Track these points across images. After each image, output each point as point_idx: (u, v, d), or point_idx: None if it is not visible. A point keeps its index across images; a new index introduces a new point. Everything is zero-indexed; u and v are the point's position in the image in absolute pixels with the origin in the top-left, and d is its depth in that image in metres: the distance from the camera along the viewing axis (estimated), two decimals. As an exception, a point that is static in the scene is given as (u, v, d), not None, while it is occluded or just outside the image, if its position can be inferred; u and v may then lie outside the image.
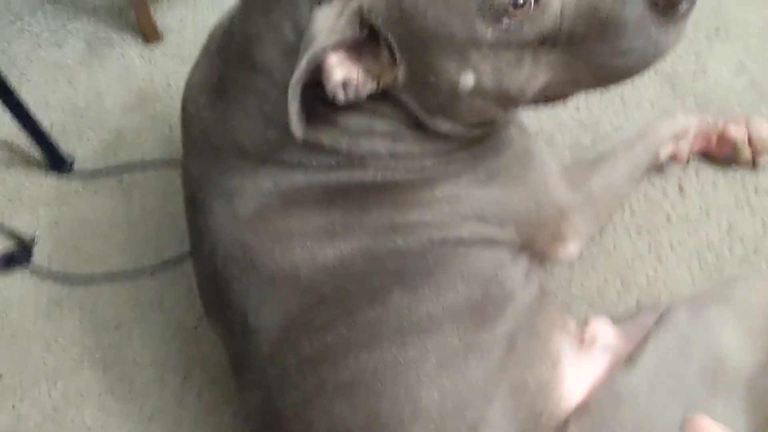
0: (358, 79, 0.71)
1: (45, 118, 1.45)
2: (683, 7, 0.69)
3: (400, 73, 0.73)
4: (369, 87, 0.73)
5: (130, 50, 1.55)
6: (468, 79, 0.72)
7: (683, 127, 1.13)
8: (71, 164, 1.39)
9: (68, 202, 1.35)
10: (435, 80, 0.73)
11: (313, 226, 0.80)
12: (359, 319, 0.78)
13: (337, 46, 0.68)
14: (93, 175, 1.37)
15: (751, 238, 1.12)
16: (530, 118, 1.28)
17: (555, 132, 1.28)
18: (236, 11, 0.83)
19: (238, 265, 0.82)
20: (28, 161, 1.41)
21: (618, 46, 0.70)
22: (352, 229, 0.80)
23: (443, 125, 0.80)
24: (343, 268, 0.79)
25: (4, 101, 1.26)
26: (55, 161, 1.38)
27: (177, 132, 1.39)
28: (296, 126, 0.70)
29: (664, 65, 1.32)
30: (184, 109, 0.91)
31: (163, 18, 1.58)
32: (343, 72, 0.70)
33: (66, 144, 1.41)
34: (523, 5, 0.66)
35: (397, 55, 0.71)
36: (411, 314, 0.78)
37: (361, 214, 0.80)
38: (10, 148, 1.43)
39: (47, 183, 1.38)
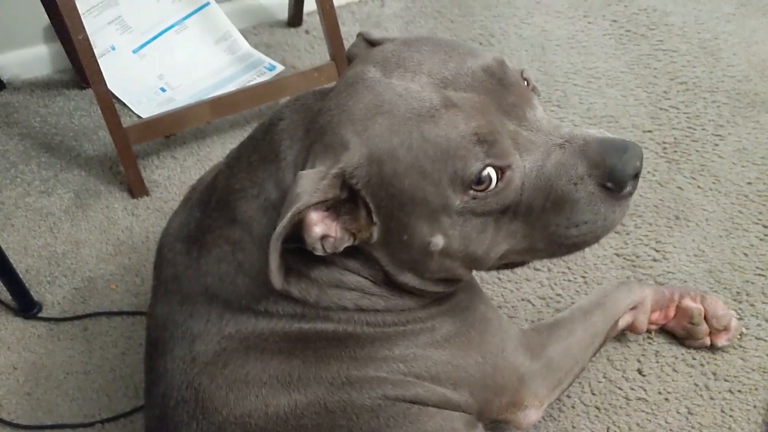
0: (336, 235, 0.75)
1: (21, 262, 1.48)
2: (628, 188, 0.74)
3: (376, 230, 0.77)
4: (346, 242, 0.76)
5: (115, 203, 1.60)
6: (438, 241, 0.76)
7: (639, 297, 1.16)
8: (39, 309, 1.40)
9: (29, 347, 1.34)
10: (408, 239, 0.77)
11: (270, 374, 0.80)
12: None
13: (319, 204, 0.72)
14: (58, 321, 1.37)
15: (710, 425, 1.11)
16: (494, 291, 1.31)
17: (518, 306, 1.30)
18: (222, 168, 0.89)
19: (189, 410, 0.81)
20: (-4, 303, 1.42)
21: (572, 219, 0.75)
22: (309, 380, 0.81)
23: (412, 280, 0.82)
24: (294, 419, 0.79)
25: (-20, 243, 1.28)
26: (24, 305, 1.39)
27: (148, 283, 1.41)
28: (276, 276, 0.73)
29: (625, 249, 1.36)
30: (159, 253, 0.93)
31: (151, 174, 1.65)
32: (322, 228, 0.74)
33: (37, 289, 1.43)
34: (486, 181, 0.72)
35: (374, 216, 0.76)
36: None
37: (319, 365, 0.81)
38: (-18, 289, 1.44)
39: (12, 326, 1.38)
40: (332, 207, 0.75)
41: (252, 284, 0.81)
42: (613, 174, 0.73)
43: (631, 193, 0.76)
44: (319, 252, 0.75)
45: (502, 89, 0.75)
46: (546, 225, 0.77)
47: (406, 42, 0.79)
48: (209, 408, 0.80)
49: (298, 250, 0.76)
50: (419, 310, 0.86)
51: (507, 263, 0.85)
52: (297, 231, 0.73)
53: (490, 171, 0.72)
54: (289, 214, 0.70)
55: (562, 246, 0.79)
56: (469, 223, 0.75)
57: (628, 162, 0.72)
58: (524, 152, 0.74)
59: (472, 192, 0.72)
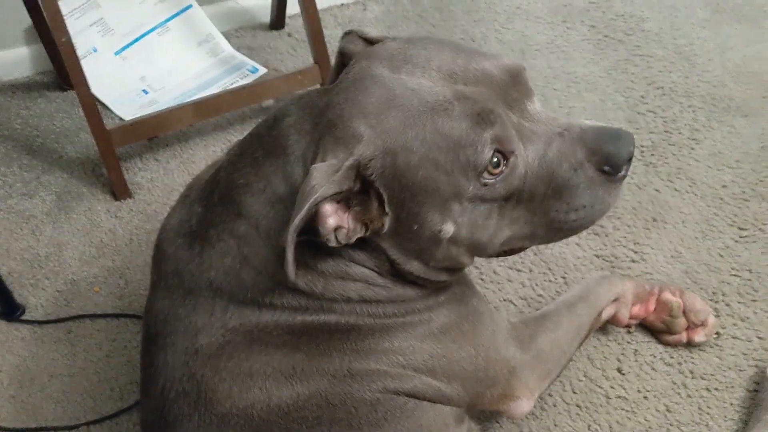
0: (349, 227, 0.77)
1: (4, 265, 1.47)
2: (623, 171, 0.80)
3: (387, 221, 0.79)
4: (359, 233, 0.79)
5: (98, 205, 1.60)
6: (448, 229, 0.79)
7: (620, 290, 1.19)
8: (22, 312, 1.39)
9: (12, 350, 1.34)
10: (418, 228, 0.79)
11: (274, 367, 0.82)
12: None
13: (333, 196, 0.74)
14: (41, 324, 1.37)
15: (687, 423, 1.13)
16: (476, 292, 1.32)
17: (500, 306, 1.32)
18: (223, 164, 0.90)
19: (190, 402, 0.82)
20: (-22, 306, 1.41)
21: (572, 204, 0.81)
22: (312, 373, 0.82)
23: (418, 269, 0.85)
24: (296, 411, 0.81)
25: (-37, 246, 1.28)
26: (7, 308, 1.38)
27: (131, 286, 1.41)
28: (291, 269, 0.74)
29: (604, 250, 1.39)
30: (158, 248, 0.94)
31: (134, 176, 1.65)
32: (336, 220, 0.76)
33: (20, 291, 1.42)
34: (498, 166, 0.76)
35: (387, 206, 0.78)
36: None
37: (322, 357, 0.83)
38: (-37, 292, 1.43)
39: (-6, 329, 1.37)
40: (344, 199, 0.77)
41: (258, 277, 0.82)
42: (610, 158, 0.78)
43: (624, 177, 0.81)
44: (333, 243, 0.77)
45: (506, 84, 0.79)
46: (547, 211, 0.81)
47: (410, 40, 0.82)
48: (212, 400, 0.81)
49: (305, 243, 0.77)
50: (418, 301, 0.89)
51: (507, 249, 0.89)
52: (309, 224, 0.75)
53: (498, 156, 0.76)
54: (307, 206, 0.72)
55: (560, 230, 0.84)
56: (476, 210, 0.79)
57: (623, 147, 0.78)
58: (527, 142, 0.78)
59: (482, 179, 0.76)
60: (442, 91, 0.76)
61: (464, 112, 0.74)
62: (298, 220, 0.72)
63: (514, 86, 0.79)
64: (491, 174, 0.76)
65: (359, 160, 0.75)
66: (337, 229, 0.76)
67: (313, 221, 0.75)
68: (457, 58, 0.79)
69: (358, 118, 0.76)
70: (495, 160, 0.75)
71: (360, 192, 0.78)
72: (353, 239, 0.78)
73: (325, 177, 0.73)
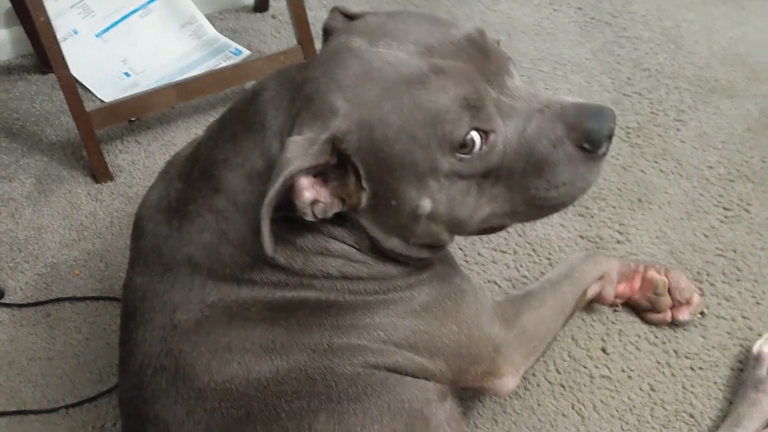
0: (326, 201, 0.76)
1: (-18, 249, 1.45)
2: (603, 149, 0.78)
3: (365, 196, 0.78)
4: (336, 207, 0.78)
5: (78, 188, 1.58)
6: (426, 205, 0.78)
7: (605, 268, 1.18)
8: (0, 296, 1.37)
9: (-9, 333, 1.32)
10: (396, 204, 0.78)
11: (253, 341, 0.81)
12: None
13: (309, 170, 0.73)
14: (20, 307, 1.35)
15: (671, 402, 1.13)
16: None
17: (485, 288, 1.30)
18: (203, 140, 0.89)
19: (168, 377, 0.82)
20: (-44, 290, 1.39)
21: (552, 181, 0.79)
22: (291, 347, 0.81)
23: (398, 246, 0.84)
24: (276, 385, 0.80)
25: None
26: (-16, 292, 1.36)
27: (112, 269, 1.40)
28: (268, 243, 0.73)
29: (589, 231, 1.38)
30: (137, 225, 0.93)
31: (115, 159, 1.63)
32: (312, 194, 0.75)
33: (-1, 275, 1.41)
34: (472, 145, 0.75)
35: (364, 181, 0.77)
36: None
37: (302, 332, 0.82)
38: (-59, 276, 1.42)
39: (-28, 313, 1.35)
40: (321, 173, 0.76)
41: (236, 253, 0.81)
42: (590, 135, 0.76)
43: (605, 154, 0.79)
44: (309, 217, 0.76)
45: (484, 58, 0.78)
46: (526, 188, 0.80)
47: (390, 14, 0.81)
48: (190, 375, 0.80)
49: (283, 219, 0.77)
50: (400, 278, 0.88)
51: (487, 227, 0.88)
52: (286, 198, 0.74)
53: (475, 135, 0.74)
54: (281, 179, 0.71)
55: (541, 208, 0.82)
56: (454, 187, 0.78)
57: (604, 123, 0.77)
58: (506, 118, 0.77)
59: (458, 155, 0.75)
60: (419, 64, 0.74)
61: (442, 87, 0.73)
62: (272, 192, 0.71)
63: (489, 58, 0.78)
64: (466, 152, 0.75)
65: (335, 134, 0.74)
66: (313, 203, 0.76)
67: (289, 195, 0.74)
68: (434, 31, 0.77)
69: (334, 92, 0.75)
70: (473, 138, 0.74)
71: (337, 166, 0.77)
72: (330, 214, 0.77)
73: (300, 150, 0.72)
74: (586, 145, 0.77)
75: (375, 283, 0.86)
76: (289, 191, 0.74)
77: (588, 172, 0.79)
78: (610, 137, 0.78)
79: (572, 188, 0.80)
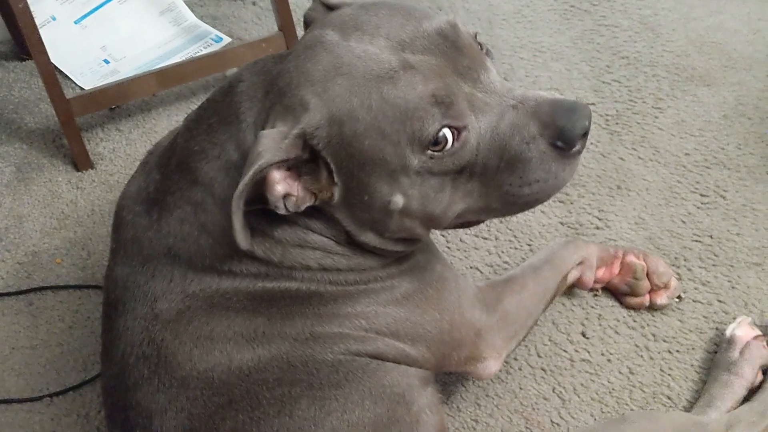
0: (298, 194, 0.77)
1: (-39, 238, 1.44)
2: (578, 146, 0.78)
3: (337, 191, 0.79)
4: (308, 201, 0.78)
5: (59, 176, 1.57)
6: (398, 200, 0.79)
7: (585, 253, 1.20)
8: (-19, 285, 1.37)
9: (-28, 323, 1.31)
10: (368, 199, 0.79)
11: (235, 330, 0.82)
12: (264, 429, 0.79)
13: (280, 163, 0.74)
14: (2, 296, 1.34)
15: (650, 384, 1.15)
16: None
17: (466, 273, 1.32)
18: (181, 131, 0.89)
19: (150, 366, 0.82)
20: (-64, 280, 1.38)
21: (525, 178, 0.79)
22: (273, 336, 0.82)
23: (373, 240, 0.85)
24: (257, 373, 0.81)
25: None
26: (-35, 281, 1.35)
27: (94, 257, 1.39)
28: (240, 235, 0.74)
29: (569, 217, 1.40)
30: (117, 216, 0.93)
31: (96, 147, 1.62)
32: (284, 187, 0.75)
33: (-21, 264, 1.40)
34: (443, 142, 0.75)
35: (335, 176, 0.78)
36: (315, 428, 0.80)
37: (284, 321, 0.83)
38: None
39: (-47, 302, 1.34)
40: (294, 167, 0.76)
41: (215, 244, 0.82)
42: (564, 133, 0.76)
43: (580, 152, 0.79)
44: (282, 211, 0.77)
45: (457, 52, 0.78)
46: (500, 184, 0.80)
47: (364, 6, 0.81)
48: (172, 363, 0.81)
49: (261, 212, 0.77)
50: (380, 269, 0.89)
51: (463, 222, 0.88)
52: (260, 191, 0.74)
53: (447, 132, 0.74)
54: (251, 172, 0.71)
55: (515, 204, 0.83)
56: (427, 183, 0.78)
57: (578, 122, 0.76)
58: (479, 114, 0.77)
59: (429, 152, 0.75)
60: (388, 59, 0.75)
61: (411, 83, 0.74)
62: (242, 185, 0.72)
63: (462, 52, 0.78)
64: (437, 149, 0.75)
65: (305, 129, 0.75)
66: (285, 196, 0.76)
67: (262, 188, 0.75)
68: (407, 25, 0.78)
69: (305, 87, 0.76)
70: (443, 135, 0.74)
71: (309, 160, 0.77)
72: (302, 207, 0.78)
73: (272, 143, 0.73)
74: (559, 143, 0.77)
75: (355, 274, 0.87)
76: (262, 184, 0.74)
77: (561, 170, 0.79)
78: (584, 135, 0.78)
79: (545, 185, 0.80)
